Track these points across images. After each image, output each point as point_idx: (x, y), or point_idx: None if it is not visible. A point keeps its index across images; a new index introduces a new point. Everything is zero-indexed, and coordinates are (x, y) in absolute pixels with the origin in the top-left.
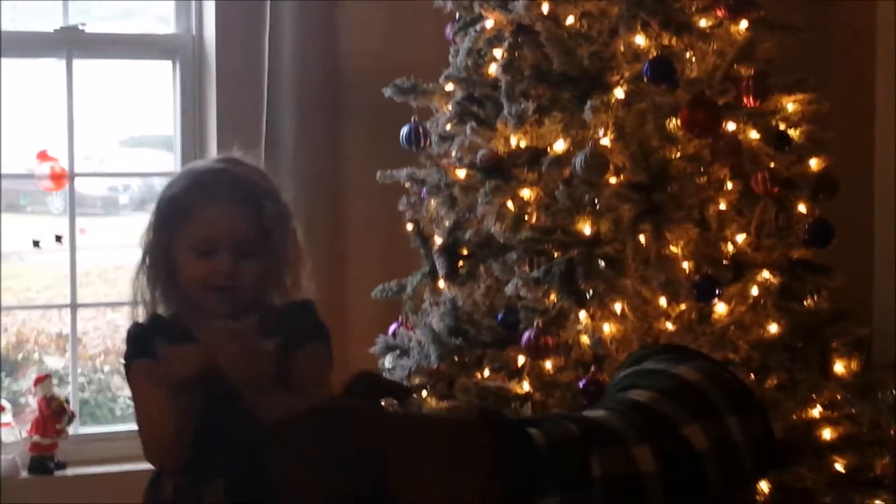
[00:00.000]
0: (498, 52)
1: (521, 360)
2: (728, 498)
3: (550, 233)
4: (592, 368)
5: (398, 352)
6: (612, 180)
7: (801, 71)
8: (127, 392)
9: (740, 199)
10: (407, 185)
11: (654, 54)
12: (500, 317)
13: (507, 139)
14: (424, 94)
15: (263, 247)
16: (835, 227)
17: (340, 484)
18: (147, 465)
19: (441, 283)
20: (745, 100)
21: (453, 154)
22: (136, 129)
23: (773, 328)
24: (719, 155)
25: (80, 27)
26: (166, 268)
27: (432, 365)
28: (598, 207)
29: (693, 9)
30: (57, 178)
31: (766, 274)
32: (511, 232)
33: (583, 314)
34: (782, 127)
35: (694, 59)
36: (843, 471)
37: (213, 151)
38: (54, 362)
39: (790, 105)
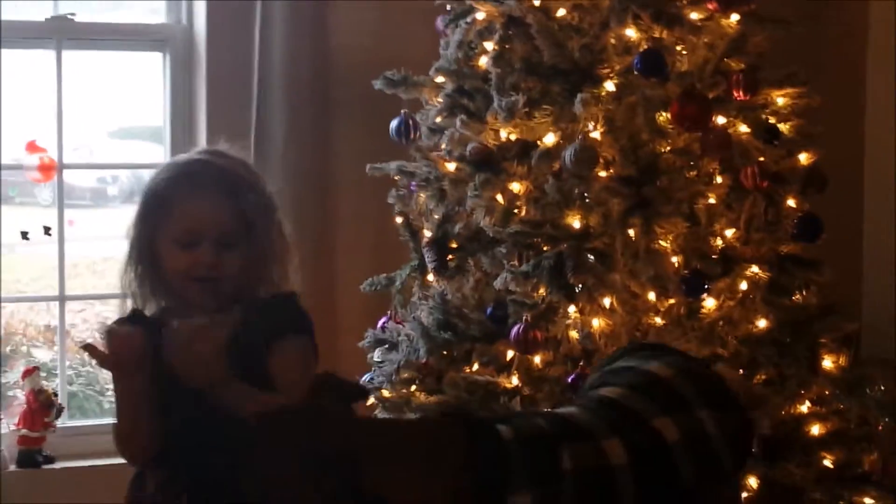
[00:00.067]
0: (488, 45)
1: (509, 354)
2: (705, 491)
3: (540, 226)
4: (581, 363)
5: (387, 346)
6: (602, 174)
7: (791, 65)
8: None
9: (730, 194)
10: (396, 178)
11: (645, 47)
12: (489, 311)
13: (496, 132)
14: (414, 87)
15: (246, 238)
16: (824, 221)
17: (317, 484)
18: None
19: (430, 277)
20: (735, 93)
21: (443, 147)
22: (126, 121)
23: (762, 323)
24: (709, 149)
25: (70, 17)
26: (151, 260)
27: (421, 359)
28: (587, 201)
29: (684, 1)
30: (46, 169)
31: (754, 268)
32: (500, 225)
33: (572, 308)
34: (772, 121)
35: (685, 52)
36: (831, 466)
37: (202, 143)
38: (42, 355)
39: (780, 99)
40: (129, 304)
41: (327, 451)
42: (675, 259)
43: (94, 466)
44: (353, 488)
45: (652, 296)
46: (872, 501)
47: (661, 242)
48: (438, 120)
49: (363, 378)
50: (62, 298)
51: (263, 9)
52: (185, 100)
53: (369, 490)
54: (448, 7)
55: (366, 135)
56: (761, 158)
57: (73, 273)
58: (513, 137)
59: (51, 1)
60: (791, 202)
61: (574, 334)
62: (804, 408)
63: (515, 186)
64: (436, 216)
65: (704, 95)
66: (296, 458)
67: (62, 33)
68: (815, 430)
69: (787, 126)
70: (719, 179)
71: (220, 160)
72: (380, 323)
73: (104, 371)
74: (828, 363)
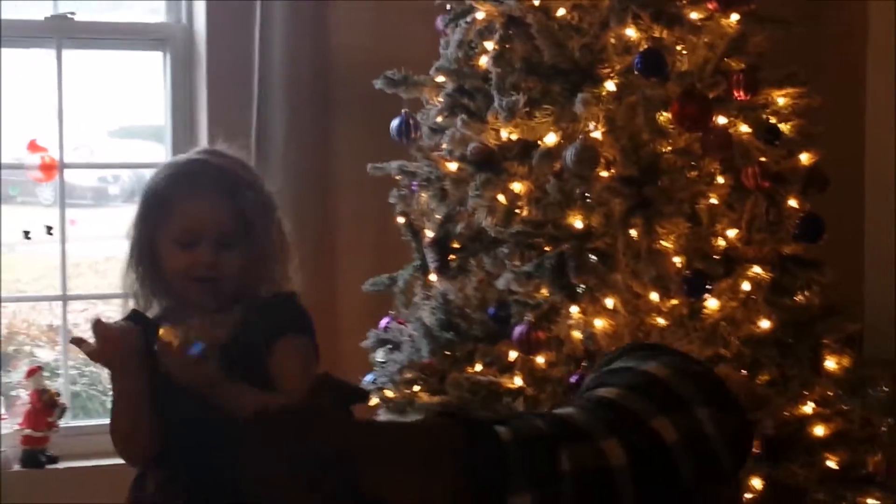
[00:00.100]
0: (489, 44)
1: (512, 354)
2: (705, 492)
3: (541, 226)
4: (584, 363)
5: (390, 346)
6: (603, 174)
7: (791, 65)
8: None
9: (731, 194)
10: (397, 177)
11: (645, 47)
12: (491, 311)
13: (497, 132)
14: (415, 86)
15: (246, 237)
16: (825, 222)
17: (314, 485)
18: None
19: (432, 277)
20: (735, 93)
21: (444, 146)
22: (126, 120)
23: (765, 324)
24: (710, 149)
25: (70, 16)
26: (151, 260)
27: (424, 359)
28: (588, 201)
29: (684, 1)
30: (47, 168)
31: (756, 269)
32: (502, 225)
33: (574, 309)
34: (773, 121)
35: (685, 52)
36: (835, 467)
37: (203, 142)
38: (45, 355)
39: (781, 99)
40: (132, 304)
41: (324, 451)
42: (676, 259)
43: (98, 466)
44: (352, 489)
45: (654, 296)
46: (876, 502)
47: (662, 242)
48: (439, 120)
49: (365, 378)
50: (65, 298)
51: (263, 8)
52: (186, 99)
53: (368, 492)
54: (448, 6)
55: (366, 134)
56: (762, 158)
57: (76, 273)
58: (514, 137)
59: (50, 0)
60: (792, 202)
61: (577, 335)
62: (807, 408)
63: (517, 186)
64: (437, 216)
65: (705, 95)
66: (288, 459)
67: (62, 32)
68: (819, 430)
69: (788, 126)
70: (720, 179)
71: (218, 160)
72: (382, 323)
73: (106, 370)
74: (830, 364)
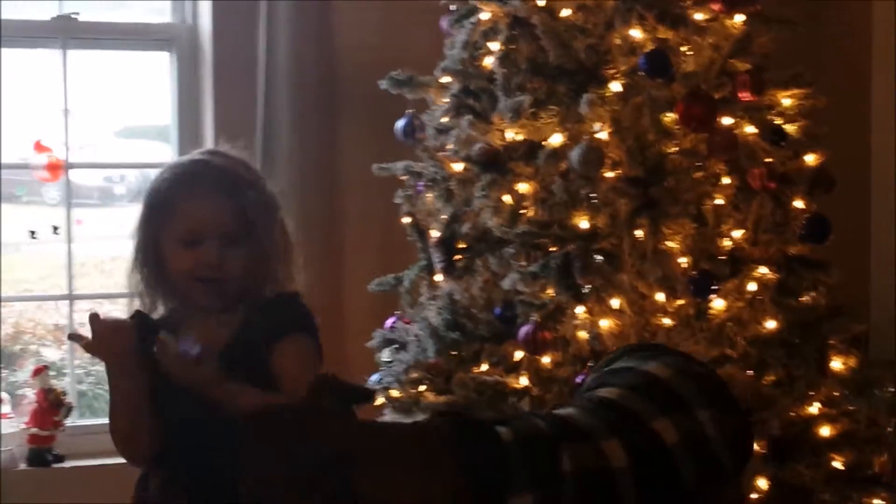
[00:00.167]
0: (494, 45)
1: (518, 354)
2: (705, 493)
3: (547, 227)
4: (590, 364)
5: (396, 346)
6: (609, 174)
7: (797, 66)
8: None
9: (737, 194)
10: (403, 178)
11: (650, 48)
12: (497, 311)
13: (503, 132)
14: (420, 87)
15: (249, 237)
16: (831, 222)
17: (312, 485)
18: None
19: (438, 277)
20: (741, 94)
21: (449, 147)
22: (132, 120)
23: (771, 324)
24: (716, 149)
25: (74, 16)
26: (156, 262)
27: (430, 359)
28: (594, 202)
29: (689, 2)
30: (53, 168)
31: (763, 269)
32: (508, 226)
33: (580, 309)
34: (778, 122)
35: (690, 52)
36: (841, 468)
37: (208, 142)
38: (52, 354)
39: (786, 100)
40: (137, 305)
41: (322, 451)
42: (682, 260)
43: (104, 465)
44: (350, 491)
45: (660, 296)
46: (882, 503)
47: (668, 243)
48: (444, 120)
49: (371, 378)
50: (71, 297)
51: (268, 8)
52: (191, 99)
53: (367, 492)
54: (453, 7)
55: (372, 134)
56: (768, 159)
57: (81, 272)
58: (519, 138)
59: (55, 0)
60: (798, 203)
61: (583, 335)
62: (813, 409)
63: (522, 187)
64: (443, 216)
65: (710, 96)
66: (285, 458)
67: (67, 33)
68: (825, 431)
69: (794, 127)
70: (726, 180)
71: (220, 160)
72: (388, 323)
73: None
74: (837, 364)
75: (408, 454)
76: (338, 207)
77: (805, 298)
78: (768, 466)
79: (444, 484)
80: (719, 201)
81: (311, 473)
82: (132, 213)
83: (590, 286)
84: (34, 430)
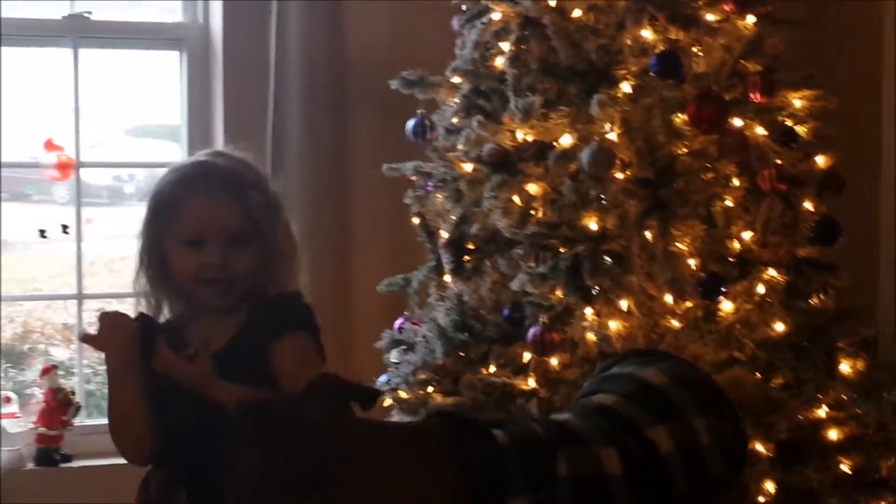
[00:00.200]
0: (504, 45)
1: (526, 356)
2: (700, 501)
3: (556, 228)
4: (598, 366)
5: (404, 347)
6: (619, 175)
7: (807, 67)
8: None
9: (747, 196)
10: (413, 178)
11: (661, 48)
12: (505, 312)
13: (513, 133)
14: (431, 87)
15: (254, 237)
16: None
17: (286, 483)
18: None
19: (447, 278)
20: (751, 96)
21: (460, 147)
22: (142, 119)
23: (779, 327)
24: (726, 151)
25: (87, 15)
26: (160, 263)
27: (438, 360)
28: (604, 203)
29: (700, 3)
30: (63, 167)
31: (772, 272)
32: (517, 227)
33: (589, 311)
34: (789, 123)
35: (701, 53)
36: (848, 472)
37: (219, 142)
38: (60, 353)
39: (797, 101)
40: (142, 307)
41: (315, 449)
42: (691, 261)
43: (112, 465)
44: (345, 491)
45: (669, 298)
46: None
47: (677, 245)
48: (455, 120)
49: (379, 379)
50: (80, 297)
51: (280, 8)
52: (202, 98)
53: (363, 492)
54: (464, 7)
55: (382, 134)
56: (778, 161)
57: (91, 271)
58: (529, 138)
59: (67, 2)
60: (808, 205)
61: (591, 336)
62: (821, 412)
63: (532, 188)
64: (453, 217)
65: (721, 97)
66: (270, 454)
67: (79, 32)
68: (833, 434)
69: (804, 128)
70: (736, 182)
71: (223, 161)
72: (396, 324)
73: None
74: (845, 367)
75: (405, 454)
76: (348, 207)
77: (814, 301)
78: (776, 470)
79: (442, 484)
80: (729, 203)
81: (302, 471)
82: (141, 213)
83: (598, 288)
84: (42, 429)
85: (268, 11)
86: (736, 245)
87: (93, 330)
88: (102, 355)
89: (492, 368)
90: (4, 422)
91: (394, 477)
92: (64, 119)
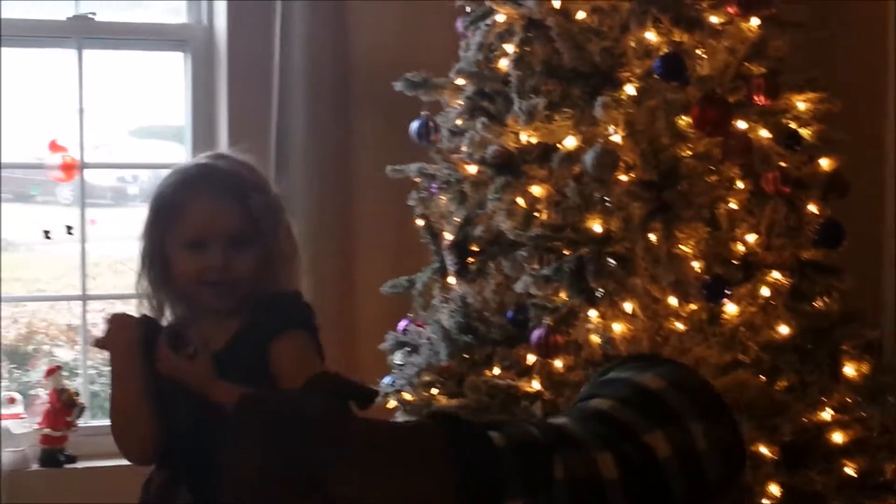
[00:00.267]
0: (509, 47)
1: (530, 358)
2: None
3: (561, 230)
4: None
5: (408, 348)
6: (623, 178)
7: (812, 70)
8: None
9: (751, 199)
10: (417, 179)
11: (665, 51)
12: (510, 314)
13: (517, 135)
14: (435, 89)
15: (255, 239)
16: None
17: (273, 478)
18: None
19: (451, 280)
20: (756, 98)
21: (464, 149)
22: (147, 120)
23: (784, 329)
24: (730, 153)
25: (91, 16)
26: (162, 266)
27: (442, 362)
28: (608, 205)
29: (704, 5)
30: (68, 168)
31: (776, 274)
32: (521, 229)
33: (593, 313)
34: (793, 126)
35: (705, 56)
36: (853, 475)
37: (223, 143)
38: (65, 354)
39: (801, 104)
40: (145, 308)
41: (301, 448)
42: (696, 264)
43: (116, 466)
44: (340, 489)
45: (673, 301)
46: None
47: (682, 247)
48: (459, 122)
49: (383, 381)
50: (84, 298)
51: (284, 9)
52: (206, 99)
53: (358, 491)
54: (468, 9)
55: (386, 135)
56: (783, 163)
57: (95, 272)
58: (533, 140)
59: (71, 0)
60: (812, 208)
61: (595, 339)
62: (826, 415)
63: (536, 190)
64: (456, 219)
65: (725, 100)
66: (264, 448)
67: (83, 33)
68: (837, 437)
69: (809, 131)
70: (740, 184)
71: (224, 163)
72: (400, 325)
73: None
74: (849, 370)
75: (403, 454)
76: (351, 208)
77: (818, 304)
78: (780, 472)
79: (438, 485)
80: (733, 205)
81: (301, 470)
82: (143, 215)
83: (603, 290)
84: (46, 430)
85: (272, 12)
86: (740, 248)
87: (100, 331)
88: (108, 356)
89: (496, 370)
90: (9, 422)
91: (391, 476)
92: (68, 120)
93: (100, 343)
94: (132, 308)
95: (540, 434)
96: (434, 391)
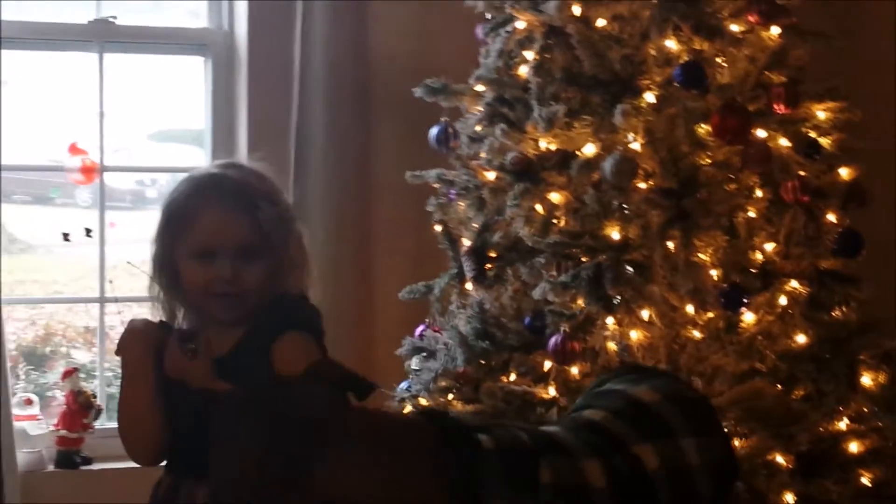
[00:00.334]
0: (529, 54)
1: (547, 364)
2: None
3: (579, 237)
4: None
5: (425, 354)
6: (642, 185)
7: (832, 79)
8: None
9: (769, 207)
10: (436, 185)
11: (686, 59)
12: (527, 321)
13: (536, 142)
14: (454, 95)
15: (264, 251)
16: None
17: (263, 468)
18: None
19: (469, 286)
20: (776, 107)
21: (483, 156)
22: (166, 124)
23: (801, 338)
24: (749, 162)
25: (112, 20)
26: (171, 274)
27: (459, 368)
28: (626, 212)
29: (725, 13)
30: (87, 171)
31: (794, 283)
32: (539, 235)
33: (610, 320)
34: (813, 135)
35: (725, 64)
36: (869, 485)
37: (243, 147)
38: (82, 356)
39: (821, 113)
40: (159, 311)
41: (297, 439)
42: (714, 272)
43: (131, 468)
44: (324, 490)
45: (690, 309)
46: None
47: (700, 255)
48: (478, 129)
49: (400, 386)
50: (102, 300)
51: (304, 14)
52: (226, 103)
53: (342, 483)
54: (488, 16)
55: (406, 140)
56: (802, 172)
57: (112, 275)
58: (552, 147)
59: (93, 2)
60: (831, 217)
61: (612, 346)
62: (842, 424)
63: (555, 196)
64: (475, 225)
65: (745, 108)
66: (263, 447)
67: (104, 36)
68: (854, 447)
69: (828, 140)
70: (759, 193)
71: (235, 173)
72: (417, 331)
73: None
74: (867, 380)
75: (398, 451)
76: (370, 214)
77: (836, 313)
78: (796, 481)
79: (430, 483)
80: (752, 214)
81: (296, 462)
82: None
83: (620, 297)
84: (63, 432)
85: (292, 17)
86: (758, 256)
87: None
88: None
89: (512, 376)
90: (25, 424)
91: (387, 473)
92: (88, 123)
93: (119, 347)
94: (148, 312)
95: (529, 439)
96: (450, 397)
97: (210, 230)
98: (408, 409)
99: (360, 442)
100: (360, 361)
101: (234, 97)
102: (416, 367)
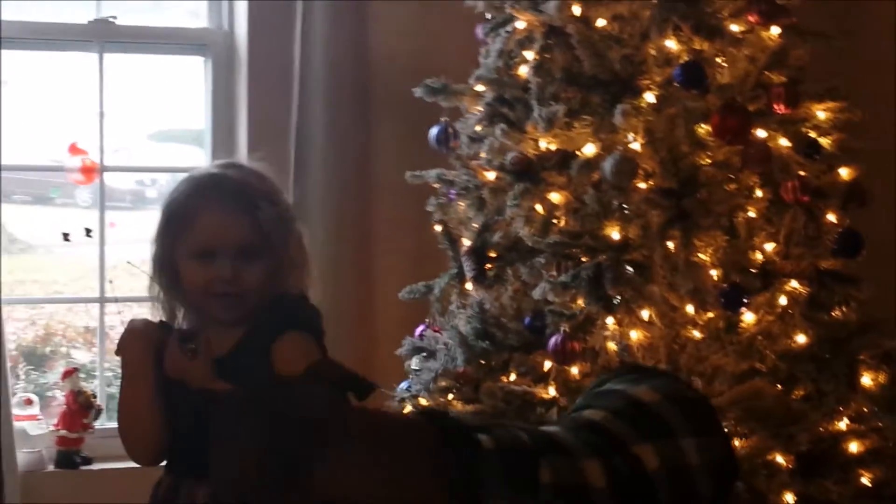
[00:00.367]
0: (529, 54)
1: (547, 364)
2: None
3: (579, 237)
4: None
5: (425, 354)
6: (642, 185)
7: (832, 79)
8: None
9: (769, 207)
10: (436, 185)
11: (686, 59)
12: (527, 321)
13: (536, 142)
14: (454, 95)
15: (264, 251)
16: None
17: (261, 467)
18: None
19: (469, 286)
20: (776, 107)
21: (483, 155)
22: (166, 124)
23: (801, 338)
24: (749, 162)
25: (112, 20)
26: (171, 274)
27: (459, 368)
28: (626, 212)
29: (725, 13)
30: (88, 171)
31: (794, 283)
32: (539, 235)
33: (610, 320)
34: (813, 135)
35: (725, 64)
36: (869, 485)
37: (243, 147)
38: (82, 356)
39: (821, 113)
40: (159, 311)
41: (297, 438)
42: (714, 272)
43: (131, 468)
44: (324, 490)
45: (690, 309)
46: None
47: (700, 255)
48: (478, 129)
49: (400, 386)
50: (102, 300)
51: (304, 14)
52: (226, 103)
53: (341, 483)
54: (488, 16)
55: (406, 140)
56: (802, 172)
57: (112, 275)
58: (552, 147)
59: (93, 3)
60: (831, 217)
61: (612, 346)
62: (842, 425)
63: (555, 196)
64: (475, 225)
65: (745, 108)
66: (262, 445)
67: (104, 36)
68: (854, 447)
69: (828, 140)
70: (759, 193)
71: (232, 172)
72: (417, 331)
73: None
74: (867, 380)
75: (399, 452)
76: (370, 213)
77: (836, 313)
78: (796, 481)
79: (430, 484)
80: (752, 214)
81: (296, 462)
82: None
83: (620, 297)
84: (63, 432)
85: (292, 17)
86: (758, 256)
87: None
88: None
89: (512, 377)
90: (25, 424)
91: (387, 474)
92: (88, 123)
93: (119, 347)
94: (148, 312)
95: (529, 439)
96: (450, 397)
97: (210, 230)
98: (408, 409)
99: (360, 442)
100: (360, 361)
101: (234, 97)
102: (416, 367)
